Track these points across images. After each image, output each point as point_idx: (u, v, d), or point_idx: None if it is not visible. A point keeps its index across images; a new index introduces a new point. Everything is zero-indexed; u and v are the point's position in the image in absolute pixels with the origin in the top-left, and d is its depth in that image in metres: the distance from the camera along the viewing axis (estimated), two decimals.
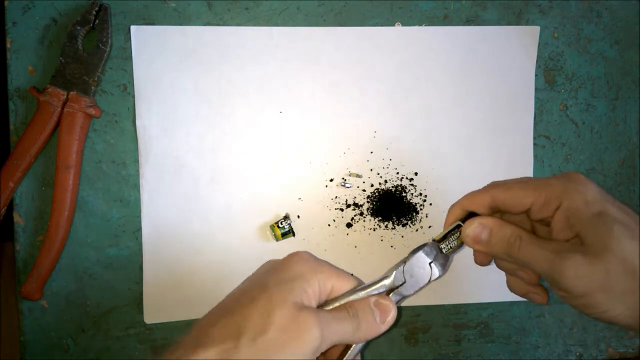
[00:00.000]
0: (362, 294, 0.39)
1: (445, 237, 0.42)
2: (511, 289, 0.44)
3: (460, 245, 0.42)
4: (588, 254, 0.35)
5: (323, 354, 0.39)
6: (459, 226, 0.41)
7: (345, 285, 0.38)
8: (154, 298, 0.52)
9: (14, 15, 0.50)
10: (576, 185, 0.37)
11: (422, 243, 0.42)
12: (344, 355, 0.38)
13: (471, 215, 0.41)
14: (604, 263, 0.34)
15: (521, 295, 0.43)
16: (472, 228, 0.40)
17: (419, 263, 0.41)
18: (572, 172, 0.39)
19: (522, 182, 0.39)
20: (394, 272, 0.40)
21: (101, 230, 0.52)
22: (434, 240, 0.42)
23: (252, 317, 0.34)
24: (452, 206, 0.42)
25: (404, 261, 0.41)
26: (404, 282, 0.40)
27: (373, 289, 0.39)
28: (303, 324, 0.33)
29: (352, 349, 0.39)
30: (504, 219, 0.41)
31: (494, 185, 0.40)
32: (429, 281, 0.41)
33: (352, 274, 0.40)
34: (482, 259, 0.43)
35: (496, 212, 0.41)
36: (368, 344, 0.39)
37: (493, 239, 0.39)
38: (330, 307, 0.38)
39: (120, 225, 0.52)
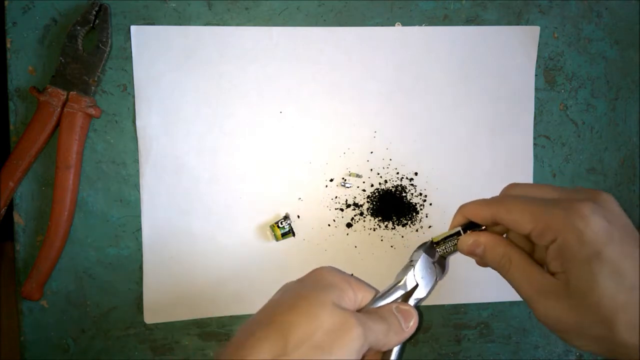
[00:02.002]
0: (381, 302, 0.39)
1: (444, 240, 0.42)
2: None
3: (456, 251, 0.42)
4: (567, 298, 0.34)
5: None
6: (458, 233, 0.41)
7: (369, 295, 0.39)
8: (154, 298, 0.52)
9: (14, 15, 0.50)
10: (576, 220, 0.34)
11: (421, 243, 0.43)
12: None
13: (473, 224, 0.41)
14: (580, 311, 0.34)
15: None
16: (467, 244, 0.40)
17: (425, 264, 0.42)
18: (583, 197, 0.35)
19: (524, 203, 0.37)
20: (405, 277, 0.41)
21: (101, 230, 0.52)
22: (432, 241, 0.43)
23: (296, 322, 0.33)
24: (457, 212, 0.42)
25: (412, 265, 0.42)
26: (416, 286, 0.41)
27: (391, 296, 0.40)
28: (347, 323, 0.33)
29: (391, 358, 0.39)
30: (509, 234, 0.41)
31: (500, 201, 0.39)
32: (436, 281, 0.42)
33: (371, 285, 0.41)
34: (481, 263, 0.43)
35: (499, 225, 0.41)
36: (402, 354, 0.40)
37: (486, 255, 0.40)
38: None
39: (120, 225, 0.52)
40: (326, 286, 0.36)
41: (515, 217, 0.37)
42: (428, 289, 0.42)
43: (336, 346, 0.32)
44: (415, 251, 0.43)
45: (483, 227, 0.41)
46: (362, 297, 0.38)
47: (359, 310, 0.38)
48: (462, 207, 0.41)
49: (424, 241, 0.43)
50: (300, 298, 0.35)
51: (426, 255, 0.42)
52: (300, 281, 0.38)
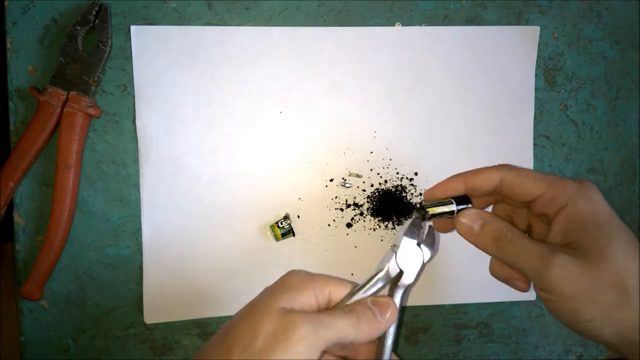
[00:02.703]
0: (360, 294, 0.38)
1: (440, 215, 0.40)
2: (493, 271, 0.43)
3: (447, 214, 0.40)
4: (581, 257, 0.35)
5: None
6: (450, 202, 0.40)
7: (343, 290, 0.38)
8: (154, 298, 0.52)
9: (14, 15, 0.50)
10: (587, 192, 0.37)
11: (402, 225, 0.41)
12: (379, 356, 0.38)
13: (464, 197, 0.40)
14: (595, 269, 0.34)
15: (502, 280, 0.42)
16: (469, 215, 0.39)
17: (408, 248, 0.39)
18: (587, 180, 0.39)
19: (534, 172, 0.39)
20: (387, 265, 0.39)
21: (101, 230, 0.52)
22: (420, 205, 0.41)
23: (240, 334, 0.34)
24: (455, 177, 0.41)
25: (394, 251, 0.40)
26: (401, 272, 0.39)
27: (370, 287, 0.38)
28: (290, 325, 0.33)
29: (385, 349, 0.38)
30: (499, 209, 0.41)
31: (506, 167, 0.39)
32: (423, 264, 0.40)
33: (348, 280, 0.39)
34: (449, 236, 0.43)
35: (496, 196, 0.41)
36: (397, 342, 0.39)
37: (485, 229, 0.39)
38: None
39: (120, 225, 0.52)
40: (281, 290, 0.36)
41: (524, 181, 0.38)
42: (415, 274, 0.39)
43: (278, 348, 0.32)
44: (397, 235, 0.40)
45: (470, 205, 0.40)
46: (333, 292, 0.37)
47: (330, 307, 0.37)
48: (461, 175, 0.40)
49: (407, 221, 0.40)
50: (250, 307, 0.35)
51: (408, 239, 0.39)
52: (269, 287, 0.37)
